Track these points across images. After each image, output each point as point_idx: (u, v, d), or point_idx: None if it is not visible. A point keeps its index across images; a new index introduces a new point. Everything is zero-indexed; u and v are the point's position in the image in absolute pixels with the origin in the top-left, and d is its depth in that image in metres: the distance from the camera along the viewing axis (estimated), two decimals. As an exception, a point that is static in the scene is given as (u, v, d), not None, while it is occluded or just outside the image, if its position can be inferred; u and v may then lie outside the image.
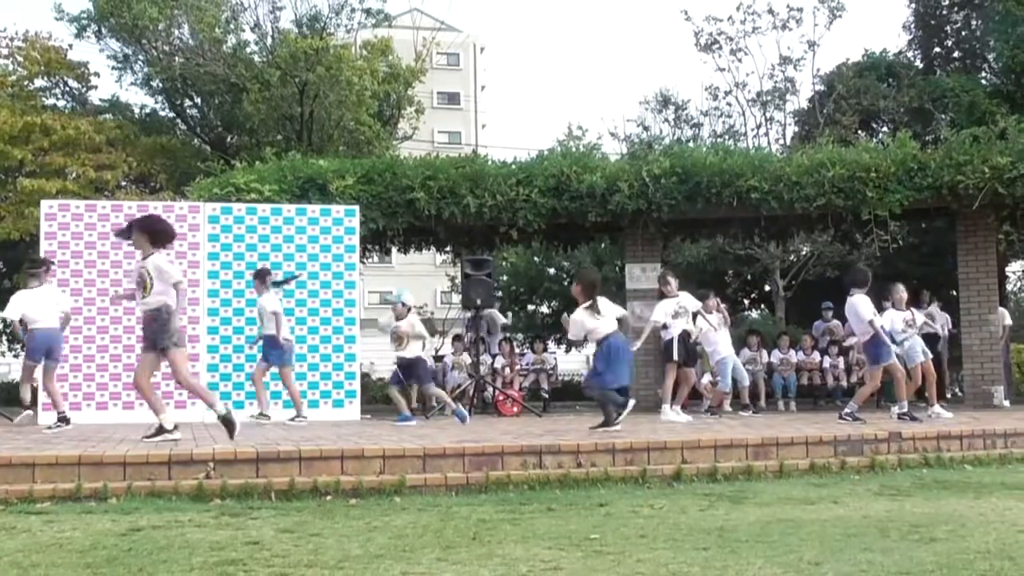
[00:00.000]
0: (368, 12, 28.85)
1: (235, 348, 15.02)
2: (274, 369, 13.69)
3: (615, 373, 11.46)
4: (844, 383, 18.26)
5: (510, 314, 27.09)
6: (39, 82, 27.50)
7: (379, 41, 28.42)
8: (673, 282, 14.66)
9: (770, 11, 27.16)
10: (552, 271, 29.40)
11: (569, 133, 33.72)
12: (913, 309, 14.77)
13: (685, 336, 14.31)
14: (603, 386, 11.65)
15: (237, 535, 6.53)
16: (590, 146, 29.62)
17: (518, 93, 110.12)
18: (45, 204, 15.18)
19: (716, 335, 15.09)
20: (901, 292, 14.30)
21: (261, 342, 13.67)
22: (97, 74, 28.71)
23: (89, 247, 14.90)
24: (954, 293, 15.86)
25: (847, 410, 12.71)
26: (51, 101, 27.59)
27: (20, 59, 27.23)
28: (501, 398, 15.97)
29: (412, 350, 13.59)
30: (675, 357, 14.24)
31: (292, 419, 13.39)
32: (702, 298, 15.16)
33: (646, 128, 30.45)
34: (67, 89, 28.09)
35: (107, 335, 14.82)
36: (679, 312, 14.29)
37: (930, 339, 16.16)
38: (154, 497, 7.95)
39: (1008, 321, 19.14)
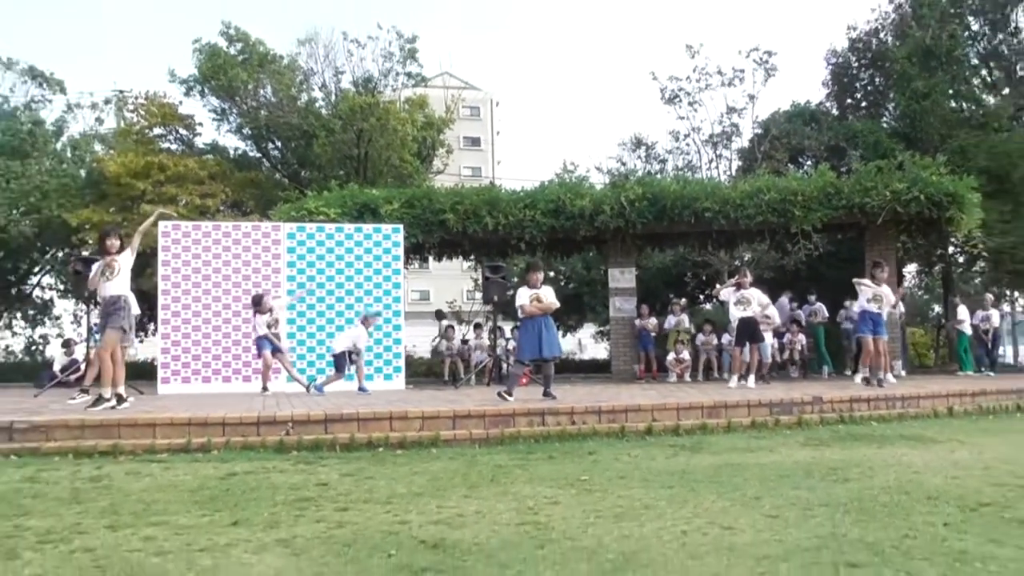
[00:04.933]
0: (409, 75, 28.92)
1: (310, 335, 15.08)
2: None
3: (529, 347, 11.08)
4: (778, 359, 18.16)
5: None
6: (157, 130, 27.54)
7: (417, 97, 28.42)
8: (748, 276, 14.27)
9: (719, 72, 27.03)
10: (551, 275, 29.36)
11: (564, 168, 33.63)
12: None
13: (747, 322, 13.95)
14: (518, 359, 11.53)
15: (310, 479, 6.55)
16: (580, 178, 29.58)
17: (525, 137, 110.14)
18: (162, 224, 15.19)
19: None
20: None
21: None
22: (201, 124, 28.80)
23: (195, 257, 14.95)
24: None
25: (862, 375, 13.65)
26: (166, 145, 27.65)
27: (143, 113, 27.33)
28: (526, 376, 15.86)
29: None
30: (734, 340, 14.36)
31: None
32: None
33: (623, 163, 30.29)
34: (178, 136, 28.15)
35: (210, 325, 14.86)
36: (740, 299, 13.96)
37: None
38: (246, 449, 7.98)
39: (903, 309, 19.10)
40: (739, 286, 14.07)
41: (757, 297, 14.22)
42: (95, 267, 10.47)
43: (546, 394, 10.89)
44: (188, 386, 14.45)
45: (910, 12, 26.41)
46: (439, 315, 21.40)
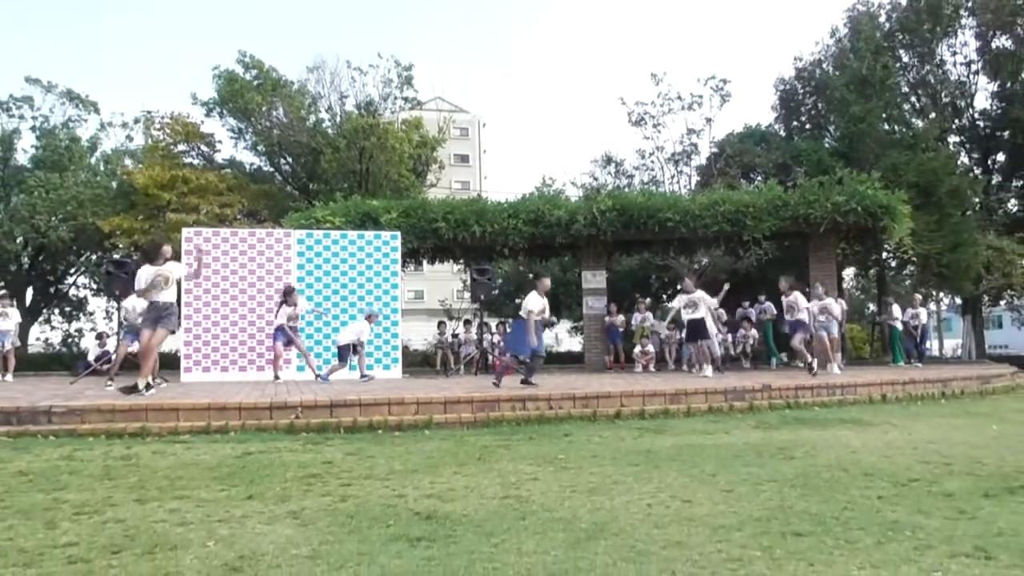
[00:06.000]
0: (406, 99, 28.84)
1: (317, 330, 15.00)
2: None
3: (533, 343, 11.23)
4: (732, 352, 18.24)
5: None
6: (180, 147, 27.39)
7: (413, 119, 28.35)
8: (689, 283, 14.45)
9: (679, 97, 27.05)
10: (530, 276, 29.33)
11: (543, 182, 33.56)
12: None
13: (695, 323, 13.96)
14: (515, 352, 11.84)
15: (317, 457, 6.54)
16: (557, 191, 29.57)
17: (509, 154, 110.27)
18: (185, 231, 15.12)
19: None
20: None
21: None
22: (220, 141, 28.67)
23: (215, 260, 14.85)
24: (807, 290, 15.96)
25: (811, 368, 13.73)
26: (189, 160, 27.49)
27: (168, 132, 27.19)
28: (498, 363, 15.88)
29: None
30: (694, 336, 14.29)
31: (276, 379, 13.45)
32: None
33: (595, 178, 30.20)
34: (200, 152, 27.97)
35: (228, 320, 14.77)
36: (688, 303, 14.01)
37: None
38: (260, 431, 7.97)
39: (845, 307, 19.13)
40: (684, 291, 14.20)
41: (705, 299, 14.30)
42: (149, 275, 10.15)
43: (525, 382, 10.91)
44: (208, 375, 14.37)
45: (848, 46, 26.57)
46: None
